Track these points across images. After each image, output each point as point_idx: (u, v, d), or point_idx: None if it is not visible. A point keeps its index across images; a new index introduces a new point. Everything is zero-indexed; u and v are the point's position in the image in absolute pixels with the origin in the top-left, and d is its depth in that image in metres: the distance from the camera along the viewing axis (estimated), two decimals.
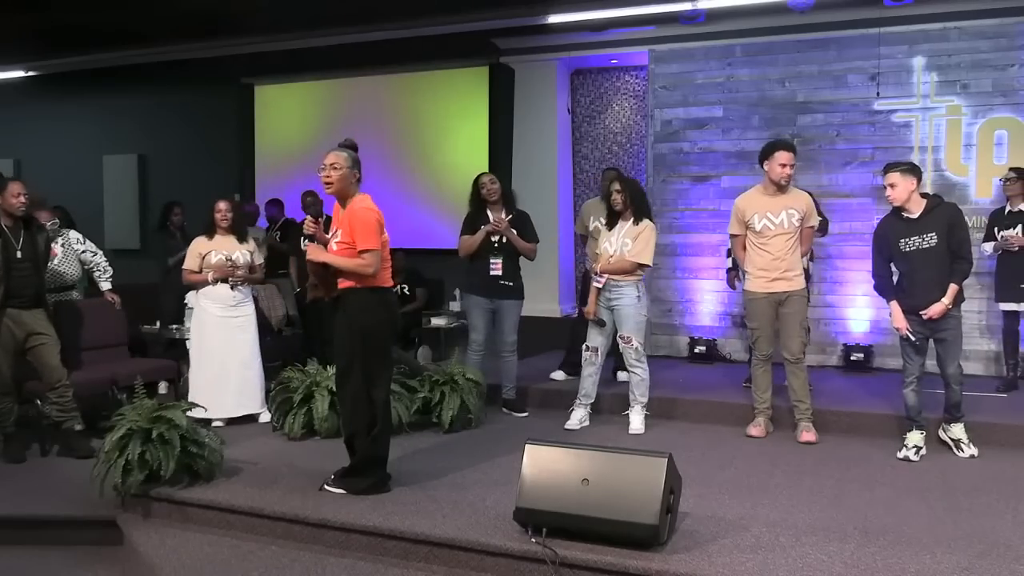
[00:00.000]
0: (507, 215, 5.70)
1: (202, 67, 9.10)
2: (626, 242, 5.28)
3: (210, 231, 5.64)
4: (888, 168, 4.69)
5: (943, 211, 4.65)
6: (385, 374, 4.16)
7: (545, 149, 8.13)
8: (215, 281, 5.51)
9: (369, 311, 4.01)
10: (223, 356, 5.51)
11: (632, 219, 5.28)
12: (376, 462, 4.15)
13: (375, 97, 9.09)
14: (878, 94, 6.94)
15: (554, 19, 7.16)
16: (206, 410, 4.73)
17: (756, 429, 5.21)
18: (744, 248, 5.22)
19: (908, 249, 4.65)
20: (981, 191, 6.69)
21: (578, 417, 5.42)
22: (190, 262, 5.58)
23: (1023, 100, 6.58)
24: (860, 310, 7.00)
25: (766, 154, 5.06)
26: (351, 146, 4.22)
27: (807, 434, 5.09)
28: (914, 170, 4.65)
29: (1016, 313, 5.97)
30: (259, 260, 5.83)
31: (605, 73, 8.37)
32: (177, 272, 7.22)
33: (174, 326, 6.64)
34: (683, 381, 6.43)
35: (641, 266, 5.30)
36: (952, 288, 4.58)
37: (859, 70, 7.01)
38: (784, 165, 4.99)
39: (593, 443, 4.22)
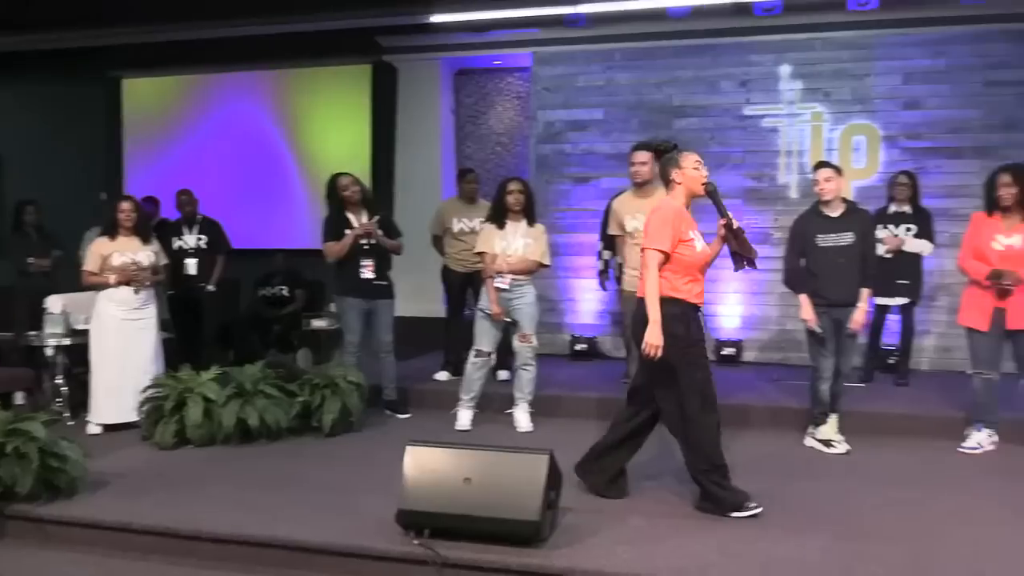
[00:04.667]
0: (371, 216, 5.65)
1: (64, 59, 8.60)
2: (527, 242, 5.32)
3: (112, 232, 5.39)
4: (821, 165, 5.00)
5: (860, 216, 4.98)
6: None
7: (428, 149, 8.10)
8: (118, 284, 5.30)
9: None
10: (123, 360, 5.33)
11: (526, 220, 5.33)
12: None
13: (254, 94, 8.83)
14: (748, 100, 7.24)
15: (437, 19, 7.15)
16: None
17: None
18: (626, 248, 5.36)
19: (825, 245, 4.88)
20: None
21: (468, 418, 5.42)
22: (91, 263, 5.36)
23: (878, 108, 7.01)
24: (731, 307, 7.29)
25: (630, 156, 5.25)
26: None
27: None
28: (841, 173, 4.99)
29: (885, 307, 6.33)
30: (163, 261, 5.70)
31: (489, 74, 8.41)
32: (32, 275, 6.79)
33: (32, 333, 6.23)
34: (564, 378, 6.53)
35: (542, 266, 5.40)
36: (863, 292, 4.87)
37: (731, 77, 7.30)
38: (635, 163, 5.18)
39: (480, 443, 4.22)
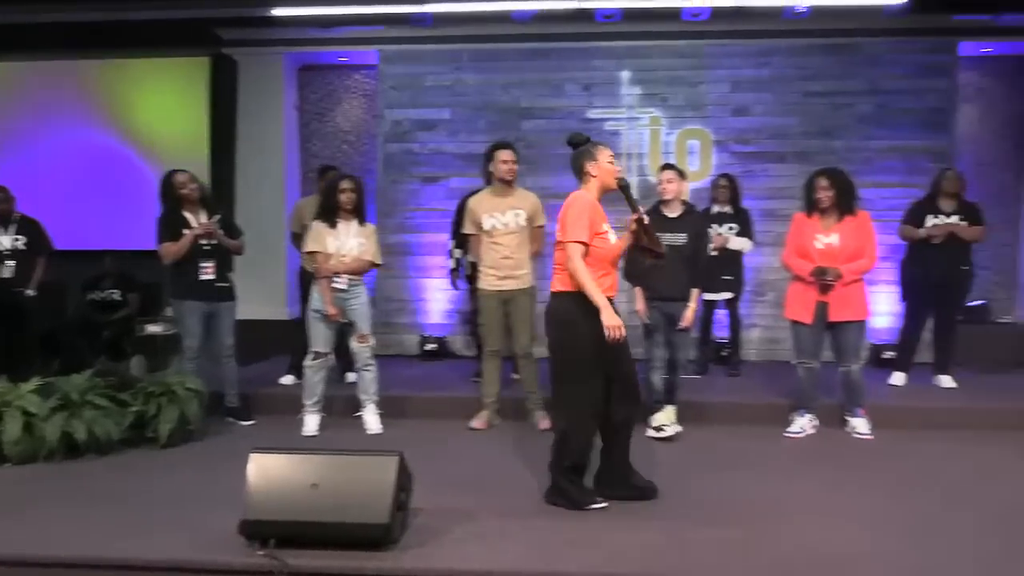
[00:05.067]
0: (210, 215, 5.44)
1: None
2: (361, 242, 5.24)
3: None
4: (666, 167, 5.25)
5: (696, 219, 5.28)
6: None
7: (271, 146, 7.85)
8: None
9: None
10: None
11: (357, 219, 5.26)
12: None
13: (81, 85, 8.24)
14: (591, 103, 7.47)
15: (279, 12, 6.93)
16: None
17: (478, 422, 5.39)
18: (479, 247, 5.39)
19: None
20: None
21: (315, 423, 5.29)
22: None
23: (711, 114, 7.41)
24: None
25: (489, 156, 5.30)
26: None
27: (544, 421, 5.37)
28: (684, 176, 5.25)
29: (712, 302, 6.68)
30: None
31: (335, 71, 8.25)
32: None
33: None
34: (414, 378, 6.51)
35: (374, 265, 5.35)
36: (695, 292, 5.15)
37: (575, 80, 7.51)
38: (506, 161, 5.23)
39: (328, 447, 4.14)
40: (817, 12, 6.95)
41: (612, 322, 3.67)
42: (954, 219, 6.05)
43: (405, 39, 7.58)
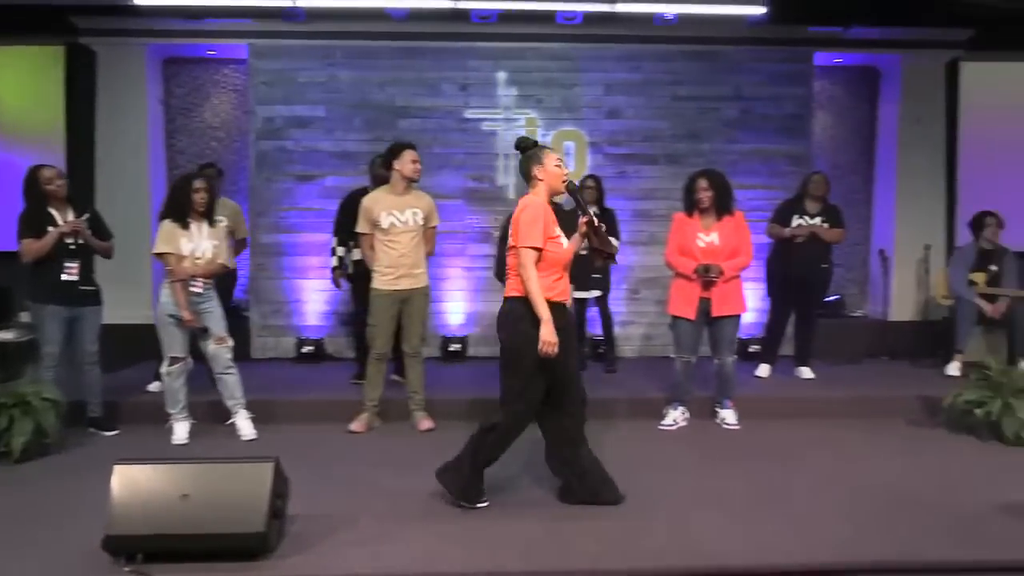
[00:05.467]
0: (78, 214, 5.15)
1: None
2: (214, 243, 5.10)
3: None
4: None
5: (565, 217, 5.22)
6: None
7: (134, 141, 7.47)
8: None
9: None
10: None
11: (207, 220, 5.10)
12: None
13: None
14: (467, 103, 7.49)
15: (140, 1, 6.60)
16: None
17: (358, 424, 5.32)
18: (372, 247, 5.31)
19: None
20: None
21: (185, 430, 5.08)
22: None
23: (585, 116, 7.56)
24: (456, 304, 7.51)
25: (395, 154, 5.25)
26: None
27: (425, 422, 5.36)
28: None
29: (584, 300, 6.82)
30: None
31: (203, 64, 7.93)
32: None
33: None
34: (291, 381, 6.35)
35: (226, 268, 5.26)
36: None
37: (451, 80, 7.50)
38: (415, 161, 5.23)
39: (200, 455, 3.99)
40: (684, 20, 7.21)
41: (549, 338, 3.67)
42: (817, 220, 6.43)
43: (276, 34, 7.37)
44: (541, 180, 3.87)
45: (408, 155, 5.23)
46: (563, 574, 3.21)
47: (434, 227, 5.44)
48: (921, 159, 7.86)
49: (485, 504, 3.90)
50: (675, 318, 5.39)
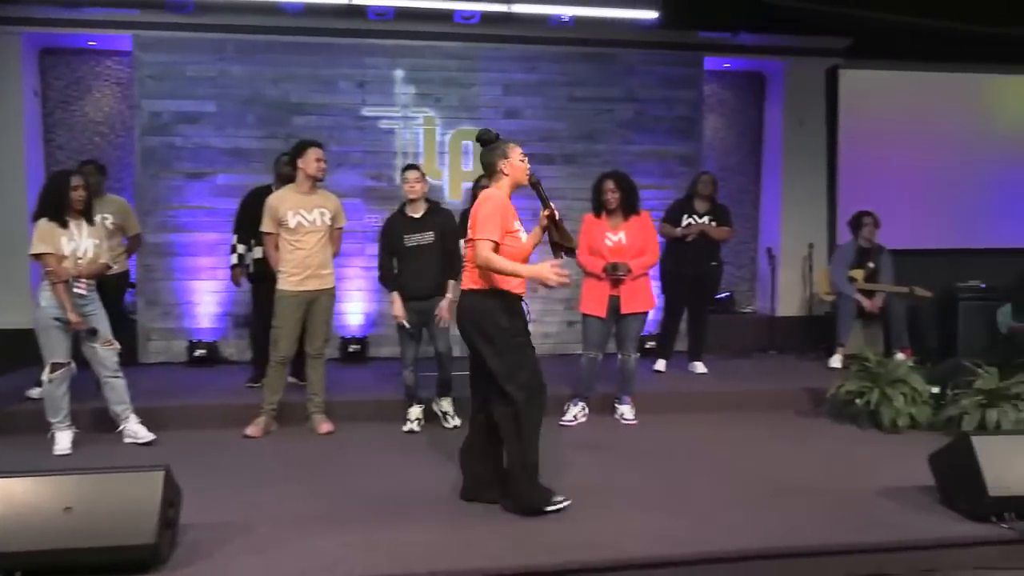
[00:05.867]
0: None
1: None
2: (96, 242, 4.90)
3: None
4: (411, 167, 5.30)
5: (441, 215, 5.35)
6: None
7: (8, 136, 7.04)
8: None
9: None
10: None
11: (87, 219, 4.88)
12: None
13: None
14: (364, 101, 7.40)
15: None
16: None
17: (254, 429, 5.18)
18: (276, 247, 5.17)
19: (410, 244, 5.19)
20: (453, 193, 7.55)
21: (68, 440, 4.82)
22: None
23: (483, 116, 7.57)
24: (355, 304, 7.41)
25: (299, 152, 5.14)
26: None
27: (325, 425, 5.27)
28: (424, 175, 5.34)
29: None
30: None
31: (83, 56, 7.55)
32: None
33: None
34: (183, 386, 6.13)
35: (108, 268, 5.05)
36: (451, 284, 5.23)
37: (348, 77, 7.39)
38: (319, 159, 5.12)
39: (84, 466, 3.80)
40: (579, 22, 7.32)
41: (545, 273, 3.66)
42: (706, 219, 6.65)
43: (163, 25, 7.08)
44: (506, 174, 3.86)
45: (312, 153, 5.13)
46: (466, 574, 3.21)
47: (341, 228, 5.36)
48: (804, 161, 8.23)
49: (564, 501, 3.78)
50: (585, 316, 5.47)
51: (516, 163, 3.86)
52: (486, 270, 3.73)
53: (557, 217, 3.88)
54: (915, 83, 8.49)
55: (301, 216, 5.11)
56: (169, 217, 7.14)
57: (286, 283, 5.14)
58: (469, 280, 3.84)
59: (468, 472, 4.01)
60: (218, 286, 7.15)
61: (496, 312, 3.76)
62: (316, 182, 5.18)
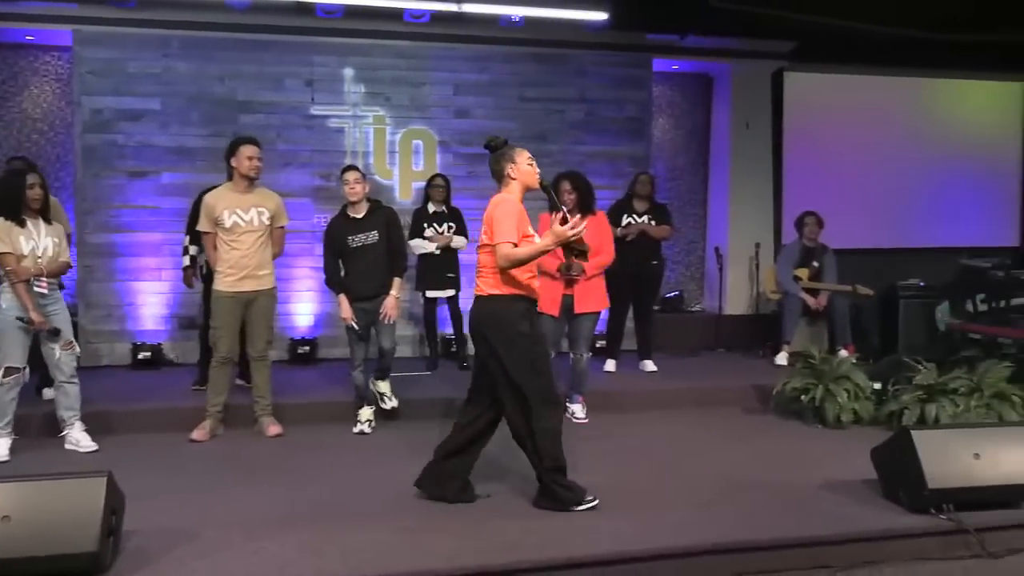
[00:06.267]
0: None
1: None
2: (55, 241, 4.78)
3: None
4: (350, 168, 5.24)
5: (383, 213, 5.29)
6: None
7: None
8: None
9: None
10: None
11: (43, 217, 4.75)
12: None
13: None
14: (313, 99, 7.31)
15: None
16: None
17: (200, 432, 5.08)
18: (215, 247, 5.07)
19: (355, 245, 5.13)
20: (403, 193, 7.51)
21: (6, 447, 4.66)
22: None
23: (434, 115, 7.56)
24: (304, 305, 7.32)
25: (232, 150, 5.03)
26: None
27: (273, 427, 5.20)
28: (365, 176, 5.28)
29: (435, 299, 6.83)
30: None
31: (21, 50, 7.33)
32: None
33: None
34: (127, 389, 5.99)
35: (68, 266, 4.93)
36: (397, 281, 5.21)
37: (296, 75, 7.30)
38: (251, 158, 5.00)
39: (23, 473, 3.69)
40: (530, 22, 7.35)
41: (563, 230, 3.61)
42: (645, 219, 6.73)
43: (104, 20, 6.90)
44: (514, 179, 3.84)
45: (245, 151, 5.01)
46: (418, 575, 3.19)
47: (283, 227, 5.28)
48: (751, 162, 8.36)
49: (594, 500, 3.80)
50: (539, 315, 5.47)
51: (524, 167, 3.85)
52: (512, 267, 3.71)
53: (569, 220, 3.84)
54: (857, 86, 8.70)
55: (237, 216, 5.01)
56: (111, 217, 6.97)
57: (222, 283, 5.04)
58: (486, 286, 3.82)
59: (434, 465, 3.98)
60: (163, 287, 7.01)
61: (516, 318, 3.76)
62: (251, 181, 5.07)
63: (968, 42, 8.32)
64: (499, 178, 3.88)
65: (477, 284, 3.88)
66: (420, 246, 6.67)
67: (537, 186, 3.88)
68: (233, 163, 5.03)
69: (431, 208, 6.75)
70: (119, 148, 6.99)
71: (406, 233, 6.70)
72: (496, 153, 3.89)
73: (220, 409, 5.18)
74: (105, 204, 6.96)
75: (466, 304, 7.17)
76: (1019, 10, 7.75)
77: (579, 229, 3.64)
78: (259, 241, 5.07)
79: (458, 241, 6.74)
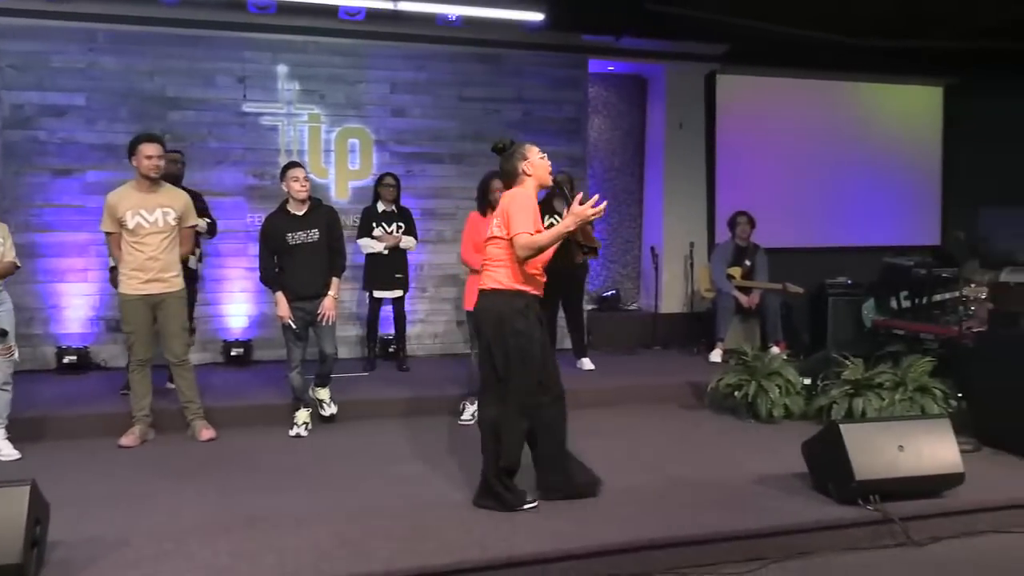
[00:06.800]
0: None
1: None
2: (0, 240, 4.61)
3: None
4: (294, 164, 5.20)
5: (324, 211, 5.24)
6: None
7: None
8: None
9: None
10: None
11: None
12: None
13: None
14: (244, 96, 7.17)
15: None
16: None
17: (129, 438, 4.94)
18: (120, 247, 4.91)
19: (294, 243, 5.05)
20: (340, 193, 7.42)
21: None
22: None
23: (370, 114, 7.49)
24: (239, 306, 7.18)
25: (132, 149, 4.86)
26: None
27: (206, 432, 5.08)
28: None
29: (380, 300, 6.75)
30: None
31: None
32: None
33: None
34: (52, 395, 5.79)
35: (16, 267, 4.79)
36: (335, 281, 5.17)
37: (227, 71, 7.15)
38: (151, 157, 4.82)
39: None
40: (467, 22, 7.33)
41: (585, 211, 3.59)
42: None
43: (25, 12, 6.64)
44: (529, 176, 3.83)
45: (144, 150, 4.82)
46: None
47: (192, 227, 5.14)
48: (685, 162, 8.50)
49: (534, 503, 3.81)
50: (469, 313, 5.46)
51: (537, 161, 3.86)
52: (533, 255, 3.70)
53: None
54: (787, 89, 8.92)
55: (141, 216, 4.84)
56: (33, 216, 6.73)
57: (127, 286, 4.88)
58: (489, 280, 3.83)
59: (539, 461, 3.98)
60: (89, 289, 6.80)
61: (514, 313, 3.74)
62: (153, 181, 4.88)
63: (892, 48, 8.62)
64: (513, 177, 3.87)
65: (482, 278, 3.90)
66: (368, 245, 6.60)
67: (550, 181, 3.91)
68: (134, 162, 4.85)
69: (380, 207, 6.68)
70: (42, 145, 6.75)
71: (354, 232, 6.64)
72: (507, 152, 3.90)
73: (147, 413, 5.04)
74: (27, 203, 6.72)
75: (411, 306, 7.22)
76: (939, 18, 8.06)
77: (599, 208, 3.63)
78: (165, 242, 4.90)
79: (407, 241, 6.68)
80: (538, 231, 3.73)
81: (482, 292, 3.87)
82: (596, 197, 3.64)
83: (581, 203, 3.66)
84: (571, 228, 3.65)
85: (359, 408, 5.62)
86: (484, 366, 3.89)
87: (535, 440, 3.93)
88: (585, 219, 3.63)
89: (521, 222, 3.68)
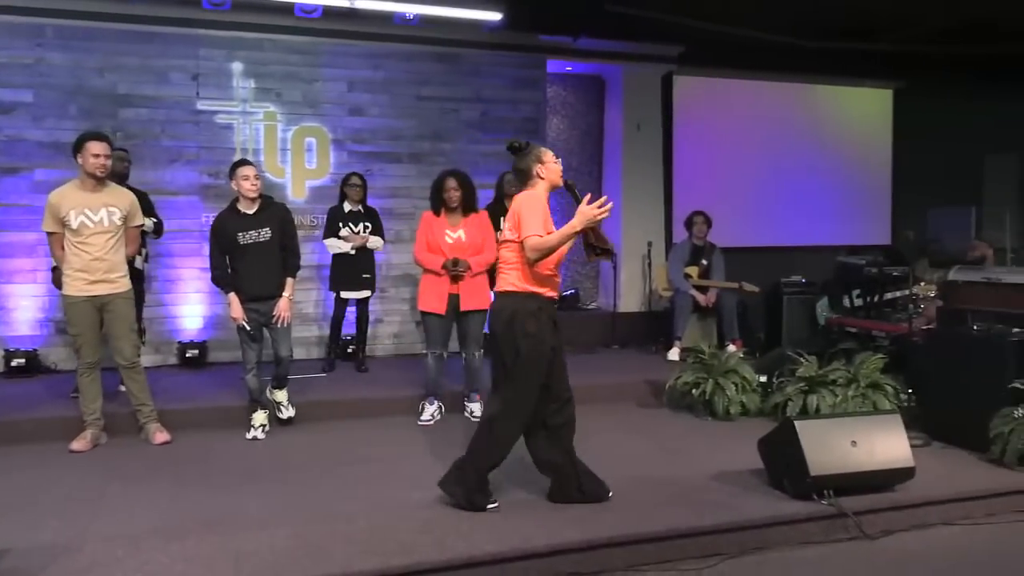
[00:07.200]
0: None
1: None
2: None
3: None
4: (244, 163, 5.09)
5: (276, 210, 5.15)
6: None
7: None
8: None
9: None
10: None
11: None
12: None
13: None
14: (198, 94, 7.06)
15: None
16: None
17: (80, 443, 4.83)
18: (63, 247, 4.80)
19: (245, 242, 4.97)
20: (297, 192, 7.34)
21: None
22: None
23: (327, 112, 7.42)
24: (193, 307, 7.07)
25: (78, 147, 4.73)
26: None
27: (160, 435, 4.99)
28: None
29: (346, 300, 6.69)
30: None
31: None
32: None
33: None
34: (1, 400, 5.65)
35: None
36: (290, 282, 5.10)
37: (181, 68, 7.03)
38: (98, 155, 4.70)
39: None
40: (425, 20, 7.31)
41: (592, 212, 3.60)
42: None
43: None
44: (542, 178, 3.84)
45: (91, 148, 4.69)
46: None
47: (138, 227, 5.03)
48: (642, 163, 8.57)
49: (495, 505, 3.81)
50: (425, 313, 5.45)
51: (551, 165, 3.87)
52: (542, 257, 3.70)
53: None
54: (742, 90, 9.04)
55: (85, 216, 4.72)
56: None
57: (72, 287, 4.76)
58: (504, 282, 3.84)
59: (545, 468, 3.98)
60: (38, 290, 6.64)
61: (525, 316, 3.74)
62: (98, 180, 4.76)
63: (844, 50, 8.79)
64: (526, 177, 3.89)
65: (497, 280, 3.92)
66: (335, 246, 6.54)
67: (562, 184, 3.92)
68: (79, 160, 4.73)
69: (347, 207, 6.62)
70: None
71: (310, 232, 6.57)
72: (521, 153, 3.91)
73: (98, 417, 4.93)
74: None
75: (374, 306, 7.16)
76: (889, 22, 8.24)
77: (606, 208, 3.64)
78: (110, 243, 4.79)
79: (374, 241, 6.63)
80: (549, 232, 3.75)
81: (497, 294, 3.92)
82: (604, 198, 3.67)
83: (589, 203, 3.68)
84: (578, 228, 3.68)
85: (318, 409, 5.57)
86: (495, 366, 3.91)
87: (540, 447, 3.94)
88: (592, 219, 3.66)
89: (532, 224, 3.71)
